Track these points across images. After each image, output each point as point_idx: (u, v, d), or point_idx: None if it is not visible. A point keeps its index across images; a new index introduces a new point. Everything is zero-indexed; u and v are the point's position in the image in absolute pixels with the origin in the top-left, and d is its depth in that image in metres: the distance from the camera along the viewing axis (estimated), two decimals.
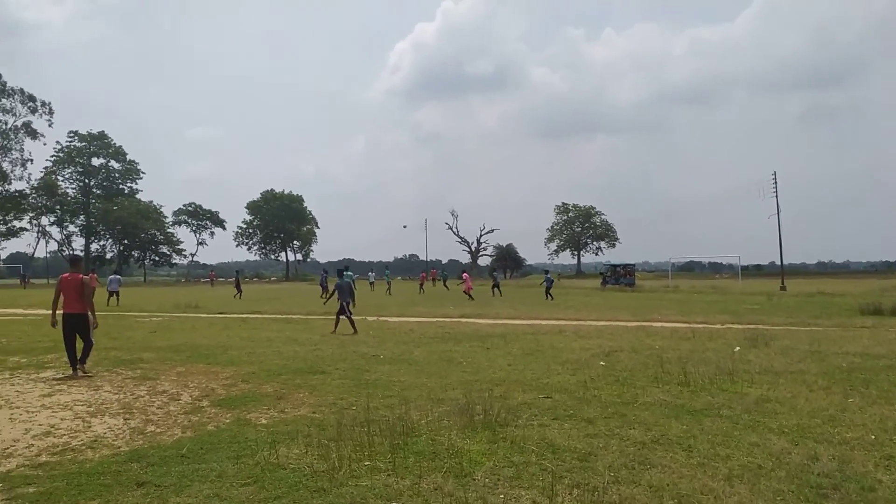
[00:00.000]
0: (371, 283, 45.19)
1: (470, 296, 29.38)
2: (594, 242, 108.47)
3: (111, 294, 27.35)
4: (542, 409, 6.43)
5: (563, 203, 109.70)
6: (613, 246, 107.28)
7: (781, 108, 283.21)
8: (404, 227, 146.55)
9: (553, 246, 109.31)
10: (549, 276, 33.51)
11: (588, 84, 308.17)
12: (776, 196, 51.13)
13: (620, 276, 50.26)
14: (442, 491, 4.04)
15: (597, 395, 7.13)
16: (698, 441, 5.21)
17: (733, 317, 18.10)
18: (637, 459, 4.68)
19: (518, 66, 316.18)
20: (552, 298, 29.45)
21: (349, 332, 14.11)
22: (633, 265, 54.32)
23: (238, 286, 34.78)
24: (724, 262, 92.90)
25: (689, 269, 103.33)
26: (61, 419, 6.27)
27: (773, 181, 51.72)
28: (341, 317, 14.64)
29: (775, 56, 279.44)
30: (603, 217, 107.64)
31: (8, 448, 5.25)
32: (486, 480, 4.25)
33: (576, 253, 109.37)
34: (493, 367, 9.27)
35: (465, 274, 33.51)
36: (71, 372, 8.72)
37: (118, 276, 29.66)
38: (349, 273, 22.94)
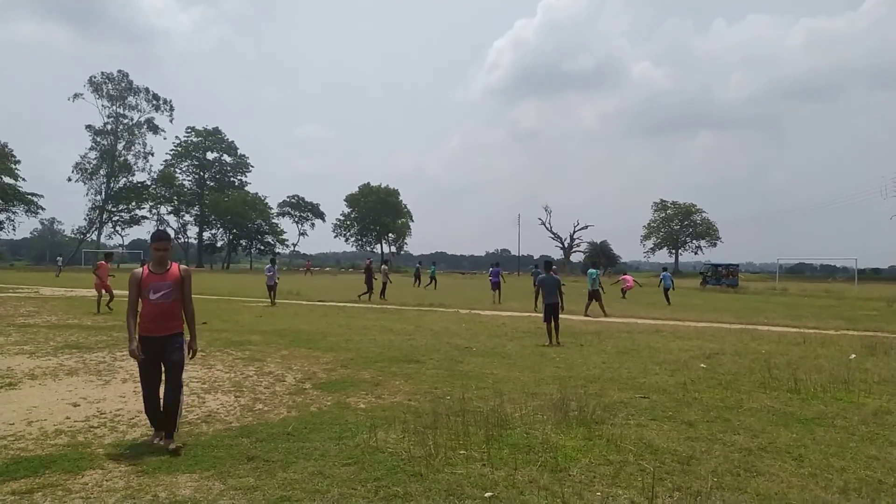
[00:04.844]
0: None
1: (623, 294, 28.13)
2: (693, 241, 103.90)
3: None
4: (640, 408, 6.28)
5: (661, 200, 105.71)
6: (714, 245, 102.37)
7: None
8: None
9: (649, 244, 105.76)
10: (666, 273, 27.28)
11: (693, 79, 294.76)
12: None
13: (722, 276, 47.95)
14: (537, 484, 4.05)
15: (698, 397, 6.88)
16: (810, 451, 4.93)
17: (848, 323, 16.83)
18: (742, 466, 4.49)
19: (619, 61, 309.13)
20: (669, 303, 24.75)
21: (544, 343, 11.47)
22: (737, 265, 51.59)
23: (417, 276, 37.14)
24: (838, 265, 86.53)
25: (799, 271, 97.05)
26: None
27: None
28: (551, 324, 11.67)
29: None
30: (704, 215, 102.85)
31: (133, 419, 5.72)
32: (582, 477, 4.21)
33: (673, 251, 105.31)
34: (587, 364, 9.13)
35: (626, 276, 30.61)
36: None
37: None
38: (593, 272, 20.17)
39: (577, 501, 3.81)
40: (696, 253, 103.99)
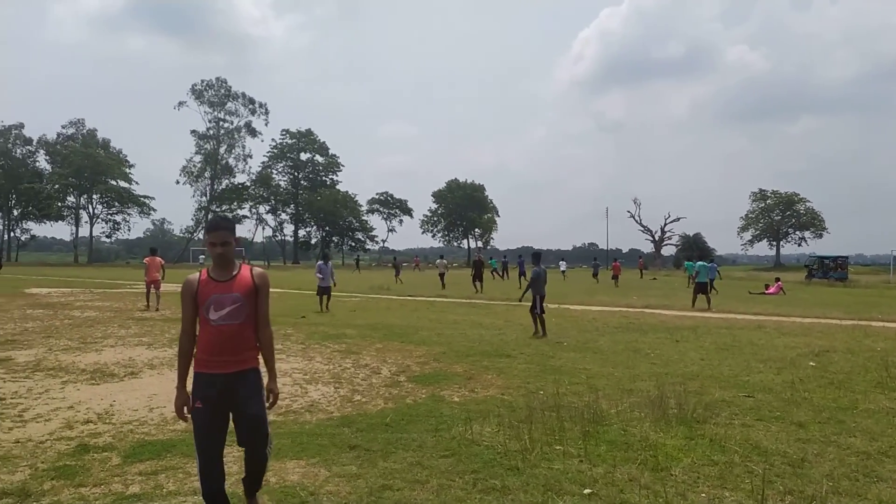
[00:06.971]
0: (563, 273, 44.48)
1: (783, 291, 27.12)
2: (796, 232, 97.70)
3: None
4: (744, 408, 6.02)
5: (759, 190, 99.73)
6: (820, 236, 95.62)
7: None
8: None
9: (747, 236, 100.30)
10: (713, 263, 26.60)
11: (792, 61, 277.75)
12: None
13: (830, 269, 44.82)
14: (638, 483, 3.97)
15: (807, 397, 6.50)
16: None
17: None
18: (861, 470, 4.22)
19: (712, 45, 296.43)
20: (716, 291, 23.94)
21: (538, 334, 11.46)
22: (846, 257, 48.13)
23: (397, 272, 37.37)
24: None
25: None
26: (282, 385, 7.05)
27: None
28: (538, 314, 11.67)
29: None
30: (808, 204, 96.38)
31: None
32: (686, 477, 4.09)
33: (774, 243, 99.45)
34: (685, 361, 8.83)
35: (779, 282, 28.85)
36: None
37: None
38: (702, 265, 19.57)
39: (682, 502, 3.71)
40: (799, 245, 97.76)
